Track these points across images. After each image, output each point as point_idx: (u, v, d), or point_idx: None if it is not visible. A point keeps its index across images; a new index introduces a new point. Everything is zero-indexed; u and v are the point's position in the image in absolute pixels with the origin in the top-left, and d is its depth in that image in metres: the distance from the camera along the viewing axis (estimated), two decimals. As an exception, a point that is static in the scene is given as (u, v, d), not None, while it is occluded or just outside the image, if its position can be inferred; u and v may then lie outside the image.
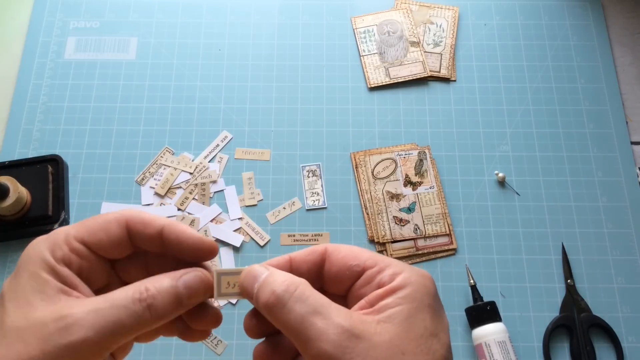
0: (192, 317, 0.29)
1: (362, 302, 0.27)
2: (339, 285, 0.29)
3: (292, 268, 0.29)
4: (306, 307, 0.25)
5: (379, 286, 0.27)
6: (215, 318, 0.29)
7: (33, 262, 0.26)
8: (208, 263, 0.30)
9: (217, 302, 0.28)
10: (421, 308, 0.26)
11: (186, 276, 0.27)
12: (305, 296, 0.25)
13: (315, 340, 0.24)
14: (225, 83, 0.65)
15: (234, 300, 0.54)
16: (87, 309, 0.25)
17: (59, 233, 0.27)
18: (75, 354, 0.24)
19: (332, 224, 0.58)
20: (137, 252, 0.30)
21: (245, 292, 0.27)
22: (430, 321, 0.26)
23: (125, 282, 0.29)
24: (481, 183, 0.60)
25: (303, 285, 0.26)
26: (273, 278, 0.26)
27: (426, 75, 0.64)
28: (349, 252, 0.28)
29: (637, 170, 0.61)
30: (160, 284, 0.26)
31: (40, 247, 0.26)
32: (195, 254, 0.29)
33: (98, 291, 0.28)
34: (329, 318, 0.25)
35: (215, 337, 0.54)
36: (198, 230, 0.57)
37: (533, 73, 0.65)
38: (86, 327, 0.24)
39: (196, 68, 0.65)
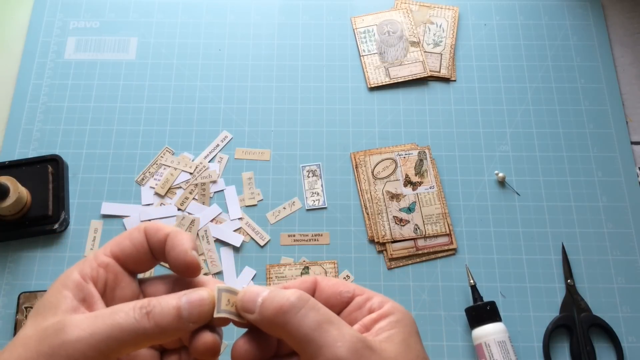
0: (193, 342, 0.28)
1: (357, 326, 0.28)
2: (330, 309, 0.29)
3: None
4: (320, 315, 0.26)
5: (370, 311, 0.29)
6: (214, 344, 0.27)
7: (59, 281, 0.27)
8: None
9: (218, 315, 0.28)
10: (412, 333, 0.28)
11: (189, 293, 0.27)
12: (319, 307, 0.27)
13: (330, 347, 0.25)
14: (225, 83, 0.65)
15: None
16: (86, 315, 0.25)
17: (92, 253, 0.29)
18: (70, 354, 0.24)
19: (332, 224, 0.58)
20: (163, 278, 0.31)
21: (244, 306, 0.28)
22: (420, 346, 0.28)
23: None
24: (481, 183, 0.60)
25: (313, 299, 0.27)
26: (280, 290, 0.27)
27: (426, 75, 0.64)
28: (338, 281, 0.31)
29: (637, 170, 0.61)
30: (162, 297, 0.27)
31: (72, 268, 0.28)
32: (178, 267, 0.29)
33: None
34: (342, 328, 0.26)
35: (215, 337, 0.54)
36: (198, 230, 0.57)
37: (533, 73, 0.65)
38: (81, 327, 0.25)
39: (196, 68, 0.65)
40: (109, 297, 0.29)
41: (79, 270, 0.28)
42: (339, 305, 0.30)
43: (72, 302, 0.26)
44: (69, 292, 0.27)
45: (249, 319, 0.28)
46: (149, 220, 0.58)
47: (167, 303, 0.26)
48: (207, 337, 0.27)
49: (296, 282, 0.31)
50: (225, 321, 0.28)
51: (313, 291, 0.30)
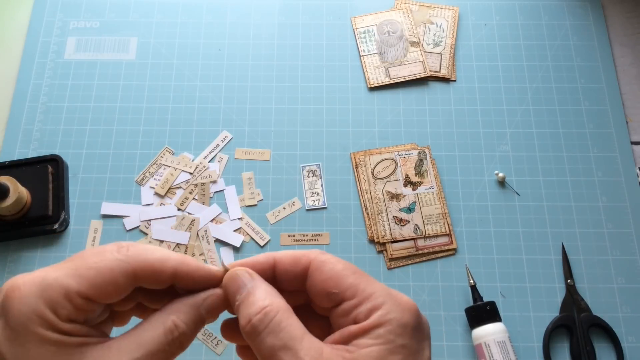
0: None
1: (336, 335, 0.27)
2: (319, 304, 0.28)
3: (275, 274, 0.28)
4: (277, 341, 0.25)
5: (355, 321, 0.26)
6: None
7: (35, 324, 0.23)
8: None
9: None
10: (393, 350, 0.25)
11: (208, 301, 0.27)
12: (280, 328, 0.25)
13: None
14: (225, 83, 0.65)
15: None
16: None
17: (54, 287, 0.23)
18: None
19: (332, 224, 0.58)
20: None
21: (229, 296, 0.27)
22: None
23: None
24: (481, 183, 0.60)
25: (280, 314, 0.25)
26: (254, 298, 0.26)
27: (426, 75, 0.64)
28: (332, 275, 0.27)
29: (637, 170, 0.61)
30: (187, 317, 0.26)
31: (37, 305, 0.23)
32: (206, 287, 0.28)
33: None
34: (296, 355, 0.24)
35: (215, 337, 0.54)
36: (198, 230, 0.57)
37: (533, 73, 0.65)
38: None
39: (196, 68, 0.65)
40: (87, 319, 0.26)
41: (53, 311, 0.23)
42: (329, 304, 0.27)
43: (70, 342, 0.23)
44: (58, 335, 0.23)
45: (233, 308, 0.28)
46: (149, 220, 0.58)
47: (193, 323, 0.26)
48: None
49: (287, 261, 0.28)
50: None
51: (305, 276, 0.28)
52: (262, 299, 0.26)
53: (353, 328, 0.26)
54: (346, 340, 0.26)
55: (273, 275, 0.28)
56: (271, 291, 0.27)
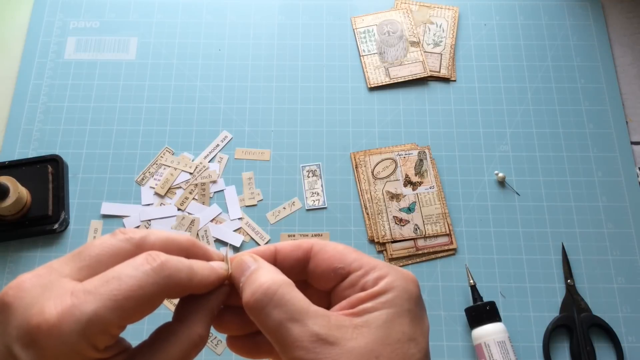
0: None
1: (344, 302, 0.27)
2: (323, 284, 0.29)
3: (276, 261, 0.29)
4: (283, 314, 0.25)
5: (363, 289, 0.27)
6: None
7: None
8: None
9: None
10: (400, 313, 0.26)
11: (218, 300, 0.28)
12: (284, 301, 0.25)
13: (290, 347, 0.25)
14: (225, 83, 0.65)
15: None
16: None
17: (95, 324, 0.22)
18: None
19: (332, 224, 0.58)
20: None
21: (233, 280, 0.28)
22: (409, 326, 0.26)
23: None
24: (481, 183, 0.60)
25: (283, 288, 0.26)
26: (257, 276, 0.27)
27: (426, 75, 0.64)
28: (335, 253, 0.28)
29: (637, 170, 0.61)
30: (207, 324, 0.27)
31: (78, 343, 0.22)
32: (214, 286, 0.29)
33: None
34: (305, 325, 0.25)
35: (215, 337, 0.54)
36: (198, 230, 0.57)
37: (533, 73, 0.65)
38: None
39: (196, 68, 0.65)
40: None
41: (93, 347, 0.23)
42: (335, 281, 0.28)
43: None
44: None
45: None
46: (149, 220, 0.58)
47: (210, 325, 0.28)
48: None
49: (289, 246, 0.29)
50: None
51: (306, 260, 0.29)
52: (266, 275, 0.27)
53: (362, 294, 0.27)
54: (354, 305, 0.27)
55: (274, 263, 0.29)
56: (274, 269, 0.27)
